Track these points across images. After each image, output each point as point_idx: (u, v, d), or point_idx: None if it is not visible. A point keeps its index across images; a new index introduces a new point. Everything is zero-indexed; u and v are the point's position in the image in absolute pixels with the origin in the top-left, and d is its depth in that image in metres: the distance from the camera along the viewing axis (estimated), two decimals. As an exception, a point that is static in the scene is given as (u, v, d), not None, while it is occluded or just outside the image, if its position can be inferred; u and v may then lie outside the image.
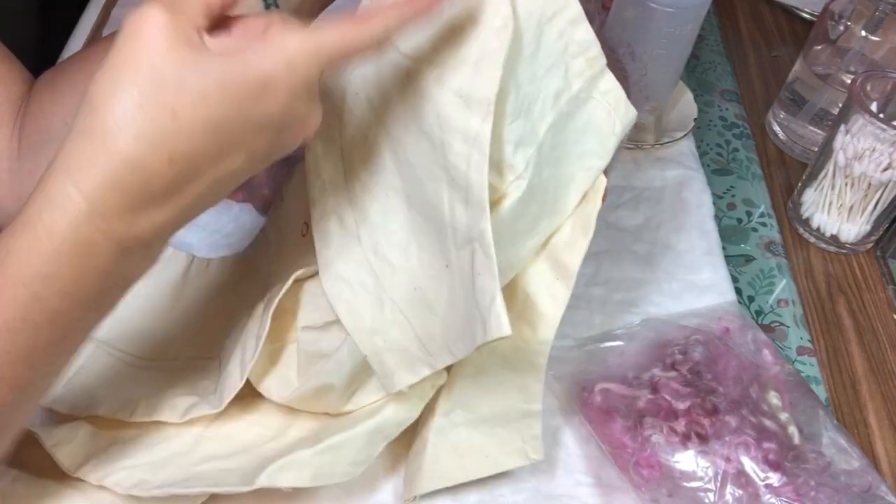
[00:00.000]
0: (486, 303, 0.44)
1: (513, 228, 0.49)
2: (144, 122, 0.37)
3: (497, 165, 0.48)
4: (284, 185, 0.66)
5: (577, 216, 0.52)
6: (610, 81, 0.50)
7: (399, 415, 0.55)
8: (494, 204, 0.48)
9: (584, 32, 0.48)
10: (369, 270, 0.51)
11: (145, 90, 0.37)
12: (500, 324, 0.44)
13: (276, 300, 0.54)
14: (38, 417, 0.58)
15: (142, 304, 0.64)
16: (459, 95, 0.45)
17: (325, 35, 0.39)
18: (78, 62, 0.62)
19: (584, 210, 0.52)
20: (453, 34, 0.46)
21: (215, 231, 0.72)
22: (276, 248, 0.61)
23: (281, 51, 0.38)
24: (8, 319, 0.39)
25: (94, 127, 0.38)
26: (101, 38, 0.63)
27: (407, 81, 0.47)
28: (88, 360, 0.60)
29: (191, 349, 0.62)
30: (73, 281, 0.40)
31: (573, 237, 0.52)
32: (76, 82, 0.61)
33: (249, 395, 0.56)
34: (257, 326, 0.55)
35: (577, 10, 0.47)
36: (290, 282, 0.54)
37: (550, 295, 0.54)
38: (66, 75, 0.61)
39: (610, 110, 0.50)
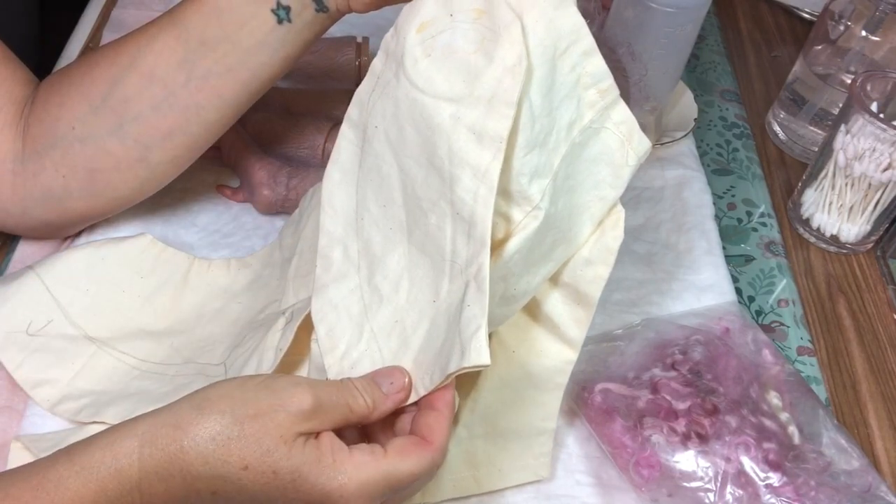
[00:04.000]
0: (470, 331, 0.45)
1: (528, 257, 0.50)
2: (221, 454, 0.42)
3: (514, 197, 0.48)
4: (302, 203, 0.66)
5: (598, 247, 0.53)
6: (623, 112, 0.51)
7: None
8: (511, 235, 0.49)
9: (597, 64, 0.49)
10: (359, 299, 0.52)
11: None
12: (480, 352, 0.44)
13: (302, 317, 0.54)
14: (44, 423, 0.58)
15: (142, 304, 0.64)
16: (473, 131, 0.46)
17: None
18: (85, 67, 0.62)
19: (604, 241, 0.53)
20: (469, 72, 0.47)
21: (215, 231, 0.72)
22: (296, 264, 0.61)
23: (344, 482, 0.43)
24: None
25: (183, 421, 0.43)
26: (106, 44, 0.63)
27: (422, 118, 0.48)
28: (90, 361, 0.61)
29: (194, 354, 0.62)
30: None
31: (594, 268, 0.53)
32: (82, 87, 0.61)
33: None
34: (278, 338, 0.56)
35: (590, 42, 0.48)
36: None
37: (573, 319, 0.55)
38: (73, 80, 0.61)
39: (623, 141, 0.51)
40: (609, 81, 0.50)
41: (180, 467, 0.42)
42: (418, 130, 0.48)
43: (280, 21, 0.56)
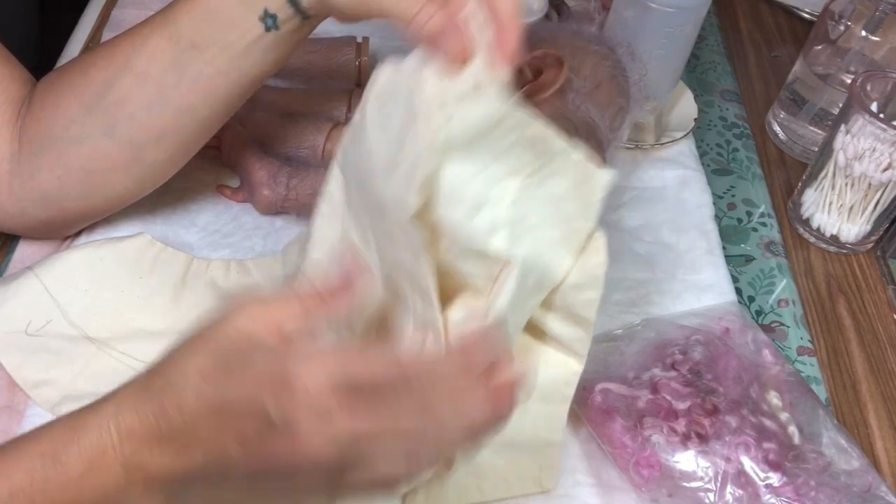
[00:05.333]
0: None
1: (516, 303, 0.51)
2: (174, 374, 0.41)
3: (481, 258, 0.49)
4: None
5: (584, 274, 0.53)
6: (581, 153, 0.51)
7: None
8: (495, 296, 0.49)
9: (536, 129, 0.48)
10: (338, 331, 0.53)
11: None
12: None
13: None
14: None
15: (142, 304, 0.64)
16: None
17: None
18: (80, 67, 0.62)
19: (588, 269, 0.53)
20: (396, 149, 0.47)
21: (215, 231, 0.72)
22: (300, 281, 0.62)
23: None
24: (14, 489, 0.42)
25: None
26: (101, 44, 0.63)
27: (368, 176, 0.50)
28: (90, 362, 0.61)
29: None
30: (77, 481, 0.42)
31: (584, 293, 0.53)
32: (77, 87, 0.61)
33: None
34: None
35: (519, 118, 0.47)
36: None
37: (573, 337, 0.55)
38: (68, 80, 0.62)
39: (583, 179, 0.51)
40: (552, 138, 0.49)
41: (153, 395, 0.42)
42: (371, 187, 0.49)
43: (268, 29, 0.56)
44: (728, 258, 0.76)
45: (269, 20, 0.56)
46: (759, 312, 0.74)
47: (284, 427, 0.38)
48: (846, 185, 0.76)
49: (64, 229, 0.68)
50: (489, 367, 0.42)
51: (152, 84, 0.59)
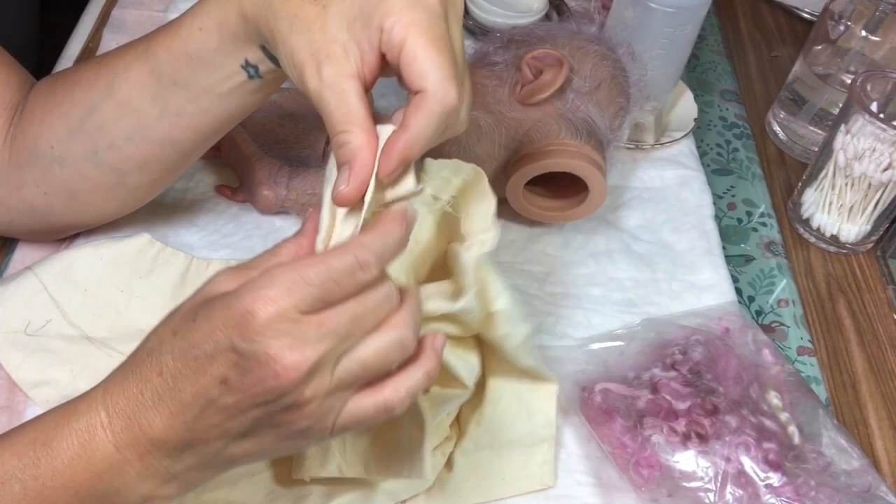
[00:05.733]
0: (414, 448, 0.49)
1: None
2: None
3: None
4: None
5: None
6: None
7: (414, 482, 0.57)
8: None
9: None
10: None
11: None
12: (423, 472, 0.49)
13: None
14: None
15: (141, 304, 0.64)
16: None
17: None
18: (69, 83, 0.60)
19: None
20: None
21: (215, 231, 0.72)
22: None
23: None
24: (6, 475, 0.43)
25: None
26: (92, 59, 0.62)
27: None
28: (90, 362, 0.60)
29: None
30: (68, 463, 0.43)
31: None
32: (62, 107, 0.59)
33: None
34: None
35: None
36: None
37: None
38: (55, 99, 0.60)
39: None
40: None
41: (135, 369, 0.43)
42: None
43: (250, 77, 0.54)
44: (728, 258, 0.76)
45: (251, 69, 0.53)
46: (759, 312, 0.74)
47: (257, 356, 0.39)
48: (846, 185, 0.76)
49: (55, 236, 0.68)
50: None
51: (133, 115, 0.57)
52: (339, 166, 0.45)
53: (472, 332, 0.54)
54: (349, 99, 0.44)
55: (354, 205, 0.44)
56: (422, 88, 0.44)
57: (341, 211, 0.45)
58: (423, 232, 0.53)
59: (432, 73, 0.44)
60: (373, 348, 0.41)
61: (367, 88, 0.46)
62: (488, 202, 0.52)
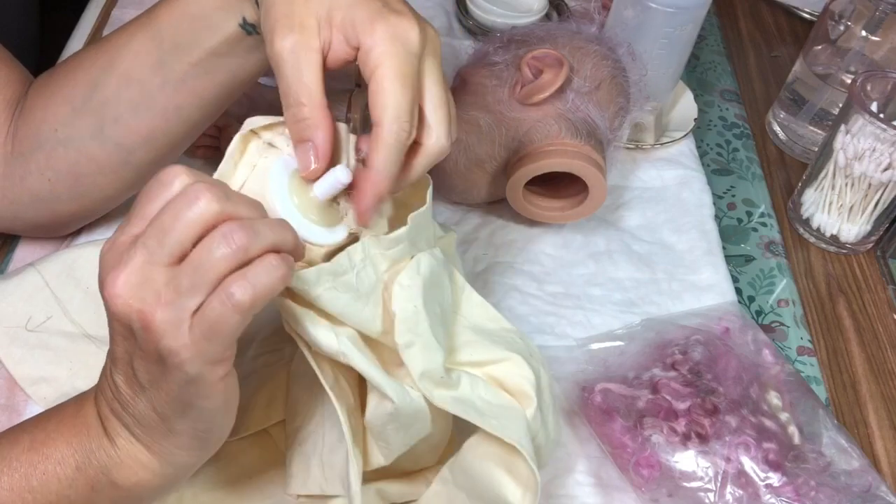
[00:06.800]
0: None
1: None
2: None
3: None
4: None
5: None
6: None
7: (407, 489, 0.56)
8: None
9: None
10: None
11: None
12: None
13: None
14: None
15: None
16: None
17: None
18: (68, 68, 0.61)
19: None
20: None
21: (215, 231, 0.72)
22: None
23: None
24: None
25: None
26: (91, 44, 0.62)
27: None
28: (89, 360, 0.60)
29: None
30: (65, 442, 0.45)
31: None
32: (65, 89, 0.60)
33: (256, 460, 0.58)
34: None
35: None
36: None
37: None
38: (57, 81, 0.61)
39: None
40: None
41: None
42: None
43: (249, 34, 0.55)
44: (728, 258, 0.76)
45: (249, 27, 0.55)
46: (759, 312, 0.74)
47: (101, 286, 0.41)
48: (846, 185, 0.76)
49: (59, 230, 0.68)
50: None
51: (137, 85, 0.58)
52: (297, 141, 0.46)
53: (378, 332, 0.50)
54: (310, 72, 0.46)
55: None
56: (379, 120, 0.46)
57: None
58: None
59: (391, 107, 0.45)
60: (200, 250, 0.40)
61: (327, 72, 0.47)
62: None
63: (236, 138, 0.47)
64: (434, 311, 0.49)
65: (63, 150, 0.60)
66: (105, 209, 0.67)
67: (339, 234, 0.48)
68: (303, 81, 0.46)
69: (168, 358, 0.40)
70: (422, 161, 0.49)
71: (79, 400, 0.47)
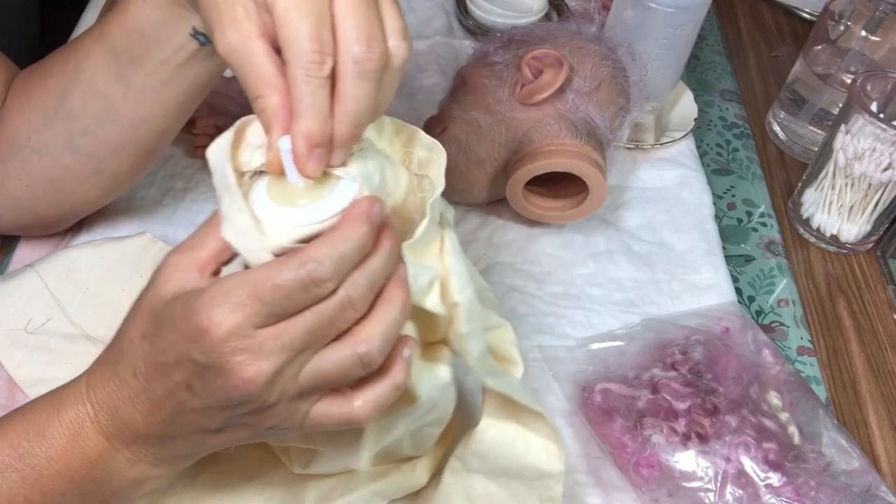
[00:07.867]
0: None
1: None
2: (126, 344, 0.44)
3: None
4: None
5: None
6: None
7: (405, 482, 0.56)
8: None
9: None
10: None
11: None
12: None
13: None
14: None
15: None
16: None
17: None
18: (43, 72, 0.60)
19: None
20: None
21: (215, 231, 0.72)
22: None
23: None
24: (2, 465, 0.45)
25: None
26: (63, 48, 0.61)
27: None
28: (89, 361, 0.60)
29: None
30: (62, 452, 0.45)
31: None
32: (38, 96, 0.60)
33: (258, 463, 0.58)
34: None
35: None
36: None
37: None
38: (32, 86, 0.60)
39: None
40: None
41: (112, 367, 0.44)
42: None
43: (202, 44, 0.54)
44: (728, 258, 0.76)
45: (201, 37, 0.53)
46: (759, 312, 0.74)
47: (216, 369, 0.40)
48: (846, 185, 0.76)
49: (45, 230, 0.68)
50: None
51: (100, 98, 0.58)
52: (266, 132, 0.44)
53: (440, 334, 0.50)
54: (257, 61, 0.43)
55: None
56: (286, 59, 0.41)
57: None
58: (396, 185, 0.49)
59: (292, 41, 0.41)
60: (332, 362, 0.41)
61: (277, 47, 0.44)
62: (439, 157, 0.50)
63: (231, 177, 0.44)
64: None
65: (37, 158, 0.60)
66: (86, 212, 0.67)
67: (341, 199, 0.43)
68: (254, 74, 0.43)
69: (270, 433, 0.44)
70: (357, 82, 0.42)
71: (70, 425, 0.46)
